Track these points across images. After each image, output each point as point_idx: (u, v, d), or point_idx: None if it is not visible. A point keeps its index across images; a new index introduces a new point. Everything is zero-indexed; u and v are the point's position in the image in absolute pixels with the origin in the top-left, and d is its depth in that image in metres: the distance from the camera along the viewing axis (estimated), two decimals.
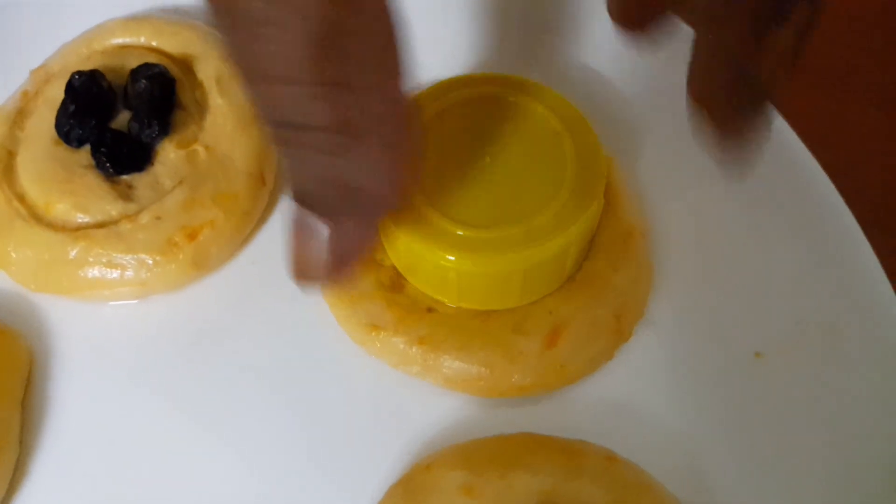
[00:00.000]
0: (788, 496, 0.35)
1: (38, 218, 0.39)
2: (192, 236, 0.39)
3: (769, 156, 0.39)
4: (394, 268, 0.39)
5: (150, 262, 0.38)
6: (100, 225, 0.39)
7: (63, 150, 0.40)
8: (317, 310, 0.39)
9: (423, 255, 0.34)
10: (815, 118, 0.43)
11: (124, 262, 0.38)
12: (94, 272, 0.38)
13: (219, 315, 0.40)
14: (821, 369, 0.37)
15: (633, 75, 0.44)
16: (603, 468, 0.35)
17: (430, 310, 0.38)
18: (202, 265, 0.39)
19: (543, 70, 0.45)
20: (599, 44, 0.46)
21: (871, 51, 0.54)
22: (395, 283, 0.39)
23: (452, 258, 0.34)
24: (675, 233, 0.41)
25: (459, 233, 0.34)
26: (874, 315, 0.37)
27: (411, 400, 0.38)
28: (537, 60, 0.47)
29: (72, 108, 0.39)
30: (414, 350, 0.37)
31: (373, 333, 0.37)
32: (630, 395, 0.38)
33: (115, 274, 0.38)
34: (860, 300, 0.37)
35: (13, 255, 0.39)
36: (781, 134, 0.40)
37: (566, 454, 0.35)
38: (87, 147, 0.40)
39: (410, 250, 0.35)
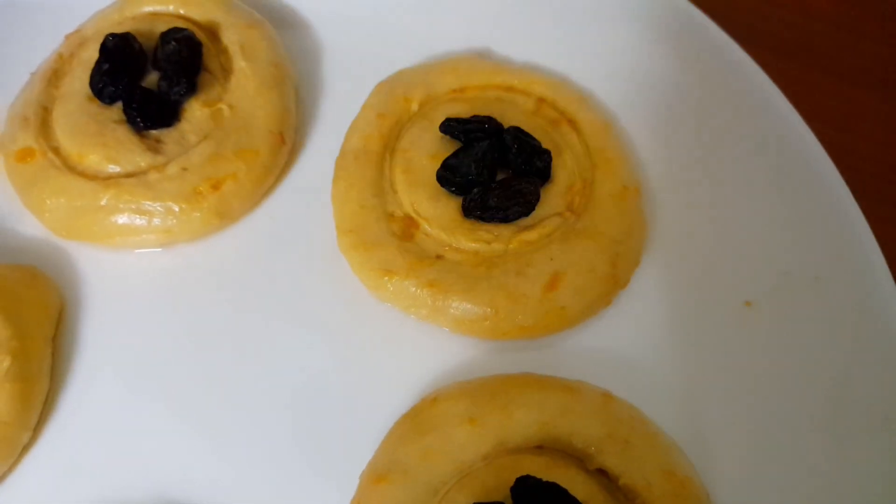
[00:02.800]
0: (779, 436, 0.37)
1: (71, 168, 0.42)
2: (216, 187, 0.41)
3: (760, 118, 0.42)
4: (405, 217, 0.41)
5: (177, 209, 0.41)
6: (129, 175, 0.41)
7: (96, 107, 0.42)
8: (332, 260, 0.42)
9: None
10: (816, 99, 0.45)
11: (152, 210, 0.41)
12: (123, 219, 0.41)
13: (239, 264, 0.43)
14: (807, 317, 0.39)
15: (630, 45, 0.47)
16: (599, 404, 0.37)
17: (439, 257, 0.40)
18: (225, 215, 0.42)
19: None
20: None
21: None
22: (406, 232, 0.41)
23: None
24: (668, 189, 0.43)
25: None
26: (858, 265, 0.39)
27: (420, 342, 0.40)
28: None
29: (105, 66, 0.42)
30: (424, 293, 0.39)
31: (385, 278, 0.40)
32: (627, 340, 0.40)
33: (143, 221, 0.41)
34: (844, 251, 0.40)
35: (48, 202, 0.42)
36: (772, 101, 0.43)
37: (565, 391, 0.37)
38: (119, 104, 0.42)
39: None
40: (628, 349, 0.40)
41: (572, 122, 0.45)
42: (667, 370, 0.40)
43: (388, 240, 0.41)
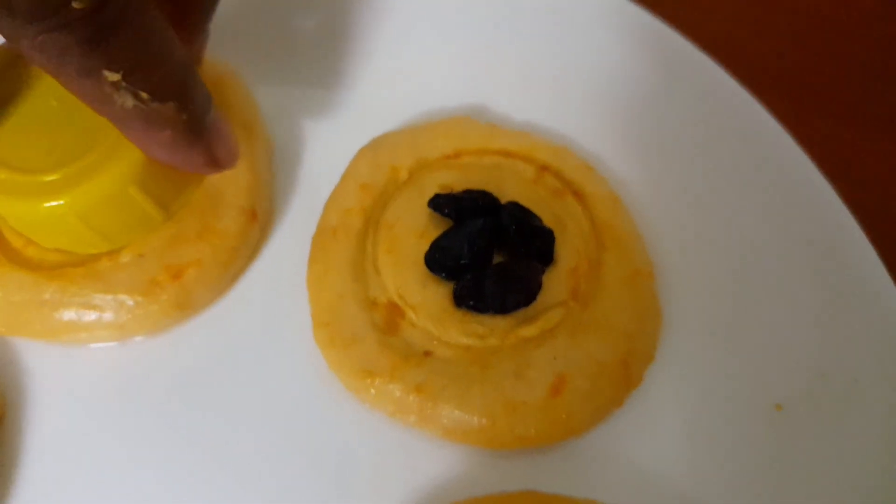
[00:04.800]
0: None
1: (10, 259, 0.37)
2: (176, 276, 0.36)
3: (784, 189, 0.37)
4: (389, 304, 0.37)
5: (131, 303, 0.36)
6: (77, 264, 0.36)
7: None
8: (307, 355, 0.37)
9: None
10: (835, 151, 0.41)
11: (102, 304, 0.36)
12: (70, 314, 0.36)
13: (203, 359, 0.38)
14: (845, 423, 0.35)
15: (641, 102, 0.43)
16: None
17: (427, 353, 0.36)
18: (186, 306, 0.37)
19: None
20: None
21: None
22: (391, 324, 0.36)
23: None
24: (684, 273, 0.39)
25: (2, 177, 0.33)
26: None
27: (408, 452, 0.36)
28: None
29: None
30: (411, 398, 0.34)
31: (367, 380, 0.35)
32: (641, 447, 0.36)
33: (93, 316, 0.36)
34: (883, 351, 0.35)
35: None
36: (798, 167, 0.38)
37: None
38: None
39: None
40: (642, 458, 0.35)
41: (578, 194, 0.40)
42: (685, 483, 0.35)
43: (369, 334, 0.36)
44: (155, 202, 0.35)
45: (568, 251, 0.38)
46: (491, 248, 0.37)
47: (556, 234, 0.38)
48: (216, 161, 0.32)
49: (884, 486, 0.33)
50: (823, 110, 0.50)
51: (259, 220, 0.39)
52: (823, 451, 0.35)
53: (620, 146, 0.42)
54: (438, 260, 0.36)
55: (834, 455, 0.34)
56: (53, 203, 0.33)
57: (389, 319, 0.37)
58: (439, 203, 0.37)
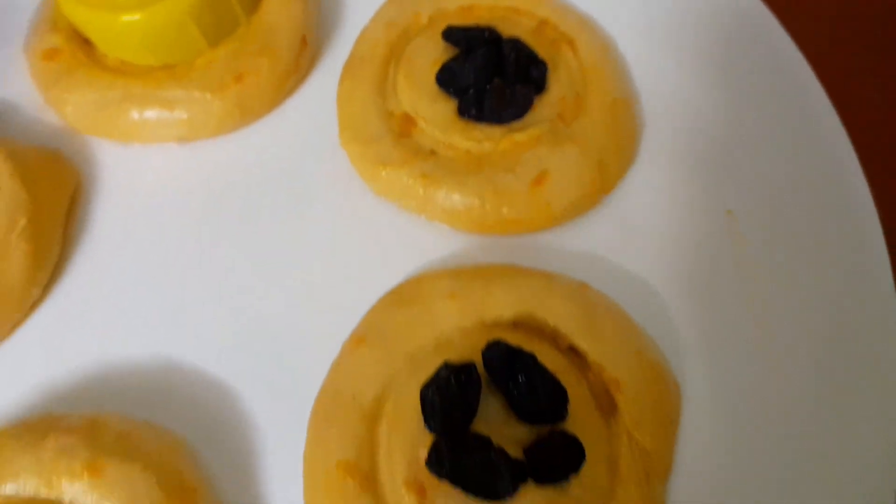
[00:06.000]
0: (753, 338, 0.39)
1: (97, 62, 0.44)
2: (238, 79, 0.44)
3: (749, 35, 0.43)
4: (403, 115, 0.43)
5: (201, 98, 0.43)
6: (157, 69, 0.44)
7: None
8: (334, 157, 0.44)
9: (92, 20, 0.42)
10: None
11: (176, 98, 0.43)
12: (148, 110, 0.43)
13: (251, 161, 0.45)
14: (786, 226, 0.41)
15: None
16: (576, 290, 0.39)
17: (432, 153, 0.42)
18: (246, 109, 0.44)
19: None
20: None
21: None
22: (404, 130, 0.43)
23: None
24: (662, 107, 0.45)
25: None
26: (837, 177, 0.40)
27: (411, 235, 0.42)
28: None
29: None
30: (416, 183, 0.41)
31: (381, 169, 0.42)
32: (609, 242, 0.42)
33: (167, 112, 0.43)
34: (824, 163, 0.41)
35: (71, 95, 0.44)
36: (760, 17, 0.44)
37: (543, 277, 0.39)
38: None
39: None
40: (610, 250, 0.42)
41: (571, 43, 0.46)
42: (646, 271, 0.41)
43: (386, 135, 0.43)
44: (202, 33, 0.44)
45: (558, 84, 0.44)
46: (492, 72, 0.43)
47: (550, 70, 0.44)
48: None
49: (813, 279, 0.39)
50: None
51: (309, 47, 0.47)
52: (765, 249, 0.40)
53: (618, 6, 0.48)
54: (447, 79, 0.43)
55: (774, 252, 0.40)
56: (129, 18, 0.41)
57: (403, 127, 0.43)
58: (451, 32, 0.44)
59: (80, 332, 0.40)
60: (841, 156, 0.41)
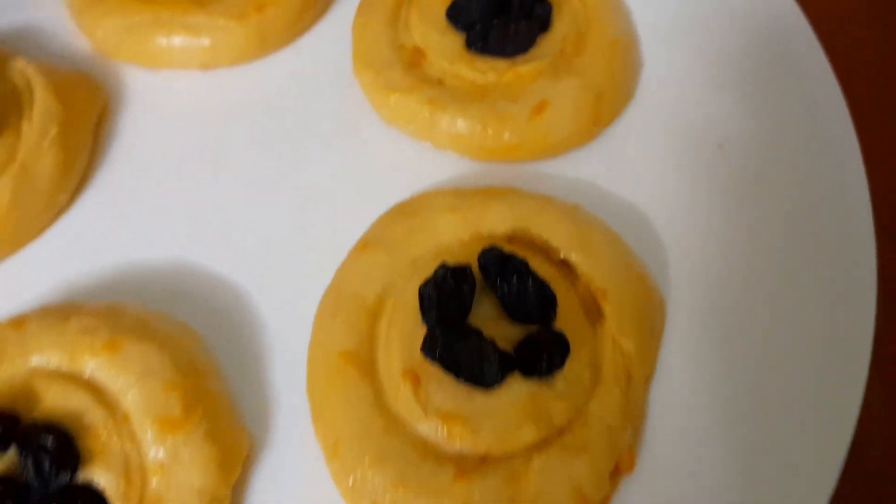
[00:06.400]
0: (741, 264, 0.41)
1: None
2: (259, 9, 0.46)
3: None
4: (414, 48, 0.46)
5: (223, 27, 0.46)
6: None
7: None
8: (349, 93, 0.46)
9: None
10: None
11: (200, 26, 0.46)
12: (174, 37, 0.46)
13: (268, 89, 0.47)
14: (772, 161, 0.43)
15: None
16: (571, 211, 0.41)
17: (440, 82, 0.45)
18: (266, 38, 0.47)
19: None
20: None
21: None
22: (414, 61, 0.45)
23: None
24: (663, 51, 0.47)
25: None
26: (821, 114, 0.43)
27: (415, 159, 0.45)
28: None
29: None
30: (423, 108, 0.43)
31: (390, 95, 0.44)
32: (604, 173, 0.44)
33: (192, 39, 0.46)
34: (811, 105, 0.43)
35: (102, 21, 0.47)
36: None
37: (541, 199, 0.41)
38: None
39: None
40: (604, 180, 0.44)
41: None
42: (638, 200, 0.43)
43: (396, 64, 0.45)
44: None
45: (561, 23, 0.46)
46: (498, 8, 0.45)
47: (554, 9, 0.46)
48: None
49: (793, 207, 0.41)
50: None
51: None
52: (752, 181, 0.42)
53: None
54: (456, 14, 0.45)
55: (760, 184, 0.42)
56: None
57: (413, 58, 0.46)
58: None
59: (103, 236, 0.42)
60: (826, 95, 0.43)
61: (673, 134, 0.45)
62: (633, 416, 0.36)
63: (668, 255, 0.41)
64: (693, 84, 0.46)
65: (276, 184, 0.44)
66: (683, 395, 0.38)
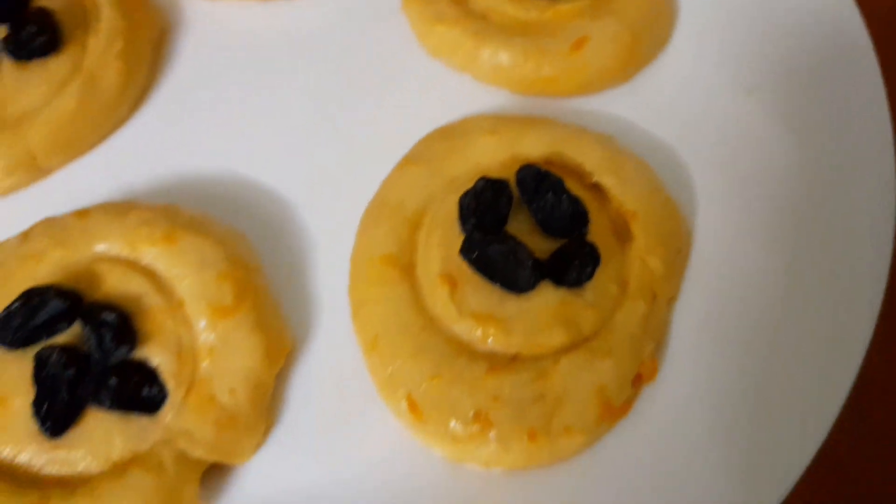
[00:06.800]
0: (767, 200, 0.42)
1: None
2: None
3: None
4: None
5: None
6: None
7: None
8: (397, 27, 0.48)
9: None
10: None
11: None
12: None
13: (319, 22, 0.49)
14: (801, 104, 0.44)
15: None
16: (605, 139, 0.43)
17: (484, 17, 0.47)
18: None
19: None
20: None
21: None
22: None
23: None
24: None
25: None
26: (849, 61, 0.44)
27: (457, 90, 0.47)
28: None
29: None
30: (466, 40, 0.45)
31: (436, 26, 0.46)
32: (638, 110, 0.46)
33: None
34: (843, 47, 0.44)
35: None
36: None
37: (576, 128, 0.43)
38: None
39: None
40: (638, 118, 0.45)
41: None
42: (670, 138, 0.45)
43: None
44: None
45: None
46: None
47: None
48: None
49: (819, 149, 0.43)
50: None
51: None
52: (780, 124, 0.44)
53: None
54: None
55: (788, 128, 0.44)
56: None
57: None
58: None
59: (160, 147, 0.45)
60: (855, 41, 0.44)
61: (705, 78, 0.46)
62: (657, 330, 0.38)
63: (696, 195, 0.43)
64: (726, 30, 0.47)
65: (323, 106, 0.46)
66: (704, 320, 0.39)
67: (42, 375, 0.34)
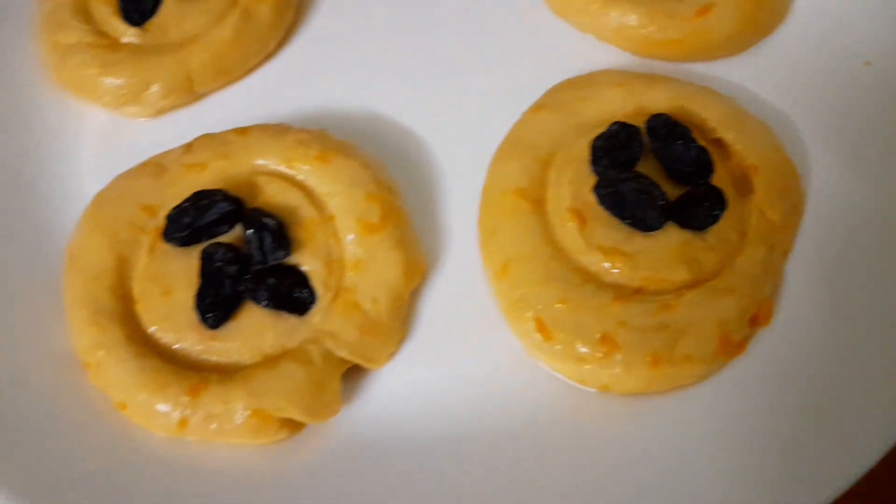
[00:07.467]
0: (881, 171, 0.43)
1: None
2: None
3: None
4: None
5: None
6: None
7: None
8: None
9: None
10: None
11: None
12: None
13: None
14: None
15: None
16: (727, 99, 0.45)
17: None
18: None
19: None
20: None
21: None
22: None
23: None
24: None
25: None
26: None
27: (578, 48, 0.49)
28: None
29: None
30: (595, 1, 0.48)
31: None
32: (755, 79, 0.47)
33: None
34: None
35: None
36: None
37: (700, 86, 0.45)
38: None
39: None
40: (757, 86, 0.47)
41: None
42: (786, 108, 0.46)
43: None
44: None
45: None
46: None
47: None
48: None
49: None
50: None
51: None
52: None
53: None
54: None
55: None
56: None
57: None
58: None
59: (305, 80, 0.48)
60: None
61: (823, 51, 0.48)
62: (773, 277, 0.40)
63: (810, 161, 0.44)
64: (844, 3, 0.49)
65: (457, 54, 0.49)
66: (816, 276, 0.41)
67: (208, 269, 0.38)
